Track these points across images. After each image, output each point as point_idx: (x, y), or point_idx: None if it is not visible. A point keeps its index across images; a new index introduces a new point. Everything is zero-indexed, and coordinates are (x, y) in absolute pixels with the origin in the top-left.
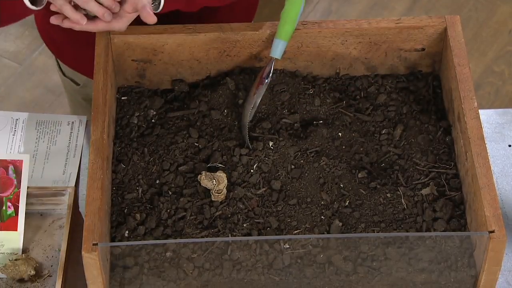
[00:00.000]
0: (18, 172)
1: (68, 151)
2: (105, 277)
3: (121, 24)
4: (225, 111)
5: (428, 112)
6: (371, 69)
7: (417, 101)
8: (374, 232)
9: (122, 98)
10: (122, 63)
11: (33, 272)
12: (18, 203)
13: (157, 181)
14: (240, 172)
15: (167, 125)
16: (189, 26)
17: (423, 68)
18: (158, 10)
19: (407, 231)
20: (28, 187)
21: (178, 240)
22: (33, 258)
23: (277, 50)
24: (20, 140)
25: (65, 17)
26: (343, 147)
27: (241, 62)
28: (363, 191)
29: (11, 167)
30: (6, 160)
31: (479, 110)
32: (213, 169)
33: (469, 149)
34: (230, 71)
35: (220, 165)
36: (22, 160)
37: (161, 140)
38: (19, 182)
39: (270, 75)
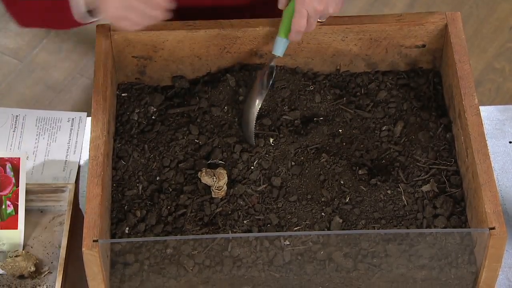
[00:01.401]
0: (16, 170)
1: (68, 147)
2: (105, 273)
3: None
4: (226, 107)
5: (429, 109)
6: (371, 65)
7: (418, 97)
8: (374, 229)
9: (123, 94)
10: (122, 59)
11: (33, 269)
12: (18, 202)
13: (158, 178)
14: (240, 169)
15: (167, 122)
16: (189, 23)
17: (424, 65)
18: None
19: (408, 228)
20: (28, 184)
21: (179, 237)
22: (33, 255)
23: (280, 48)
24: (20, 137)
25: None
26: (344, 143)
27: (242, 58)
28: (363, 188)
29: (8, 165)
30: (3, 158)
31: (479, 107)
32: (214, 166)
33: (469, 145)
34: (231, 67)
35: (221, 161)
36: (19, 158)
37: (162, 137)
38: (17, 180)
39: (274, 74)
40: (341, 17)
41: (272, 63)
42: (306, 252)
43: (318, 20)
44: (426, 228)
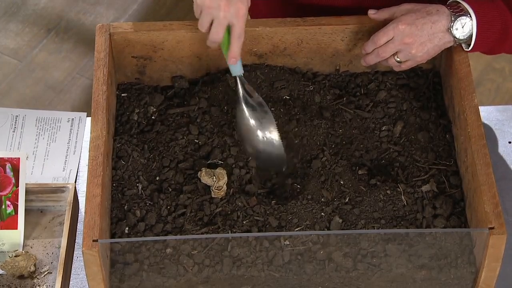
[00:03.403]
0: (15, 170)
1: (68, 148)
2: (105, 273)
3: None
4: (225, 107)
5: (428, 109)
6: (371, 65)
7: (417, 98)
8: (374, 229)
9: (122, 94)
10: (122, 59)
11: (33, 269)
12: (17, 202)
13: (157, 178)
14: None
15: (167, 122)
16: (188, 23)
17: (424, 65)
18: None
19: (407, 228)
20: (28, 184)
21: (178, 237)
22: (33, 255)
23: (236, 68)
24: (20, 137)
25: None
26: (343, 143)
27: (241, 58)
28: (363, 188)
29: (8, 165)
30: (3, 158)
31: (479, 107)
32: (213, 166)
33: (469, 146)
34: None
35: (220, 161)
36: (19, 158)
37: (161, 137)
38: (17, 180)
39: (245, 85)
40: (341, 17)
41: (240, 84)
42: (305, 252)
43: (396, 58)
44: (425, 228)
